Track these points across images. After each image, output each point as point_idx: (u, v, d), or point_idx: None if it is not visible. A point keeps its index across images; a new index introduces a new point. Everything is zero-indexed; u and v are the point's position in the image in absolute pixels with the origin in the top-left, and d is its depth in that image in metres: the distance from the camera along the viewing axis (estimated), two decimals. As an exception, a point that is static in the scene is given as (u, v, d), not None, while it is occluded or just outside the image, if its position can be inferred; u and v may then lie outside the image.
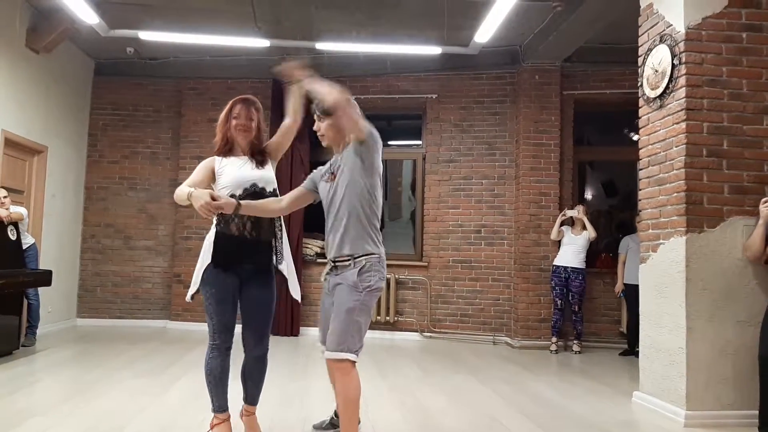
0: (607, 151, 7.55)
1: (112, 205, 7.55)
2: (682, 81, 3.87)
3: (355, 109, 2.62)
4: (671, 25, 3.99)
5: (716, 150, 3.84)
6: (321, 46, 6.58)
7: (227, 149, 2.90)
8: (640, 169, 4.36)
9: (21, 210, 5.40)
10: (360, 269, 2.67)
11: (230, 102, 2.92)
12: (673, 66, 3.94)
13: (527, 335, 6.60)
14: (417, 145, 7.48)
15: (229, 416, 2.90)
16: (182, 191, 2.67)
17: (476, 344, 6.77)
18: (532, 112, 6.79)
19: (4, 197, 5.16)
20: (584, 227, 6.38)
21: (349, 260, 2.70)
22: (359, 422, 2.93)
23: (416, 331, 7.05)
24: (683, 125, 3.84)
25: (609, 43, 6.45)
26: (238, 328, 2.84)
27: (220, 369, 2.82)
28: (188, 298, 2.90)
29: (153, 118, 7.63)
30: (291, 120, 3.01)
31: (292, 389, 4.26)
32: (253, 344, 2.88)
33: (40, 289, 5.69)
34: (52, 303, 6.56)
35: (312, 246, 7.10)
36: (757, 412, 3.37)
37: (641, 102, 4.36)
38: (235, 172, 2.83)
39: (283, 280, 2.93)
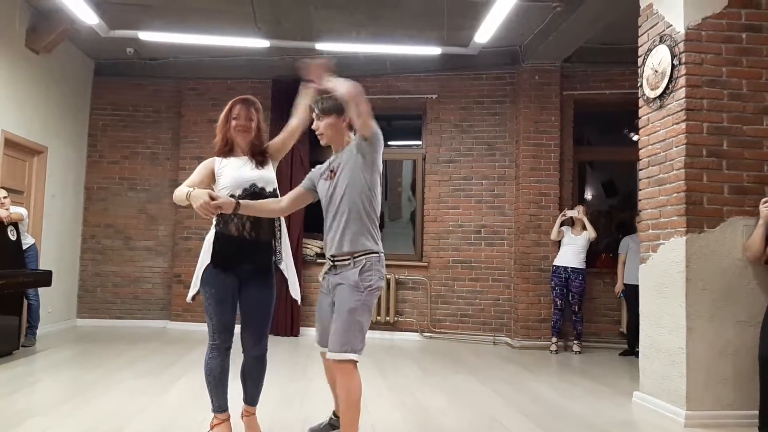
0: (607, 151, 7.55)
1: (112, 206, 7.55)
2: (681, 81, 3.87)
3: (368, 105, 2.62)
4: (671, 25, 3.99)
5: (716, 150, 3.84)
6: (321, 46, 6.58)
7: (227, 150, 2.90)
8: (640, 170, 4.36)
9: (21, 210, 5.40)
10: (361, 268, 2.67)
11: (230, 102, 2.92)
12: (673, 66, 3.94)
13: (527, 335, 6.60)
14: (417, 145, 7.48)
15: (229, 416, 2.91)
16: (181, 191, 2.67)
17: (476, 344, 6.77)
18: (532, 113, 6.79)
19: (4, 198, 5.16)
20: (584, 227, 6.38)
21: (348, 259, 2.69)
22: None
23: (416, 331, 7.05)
24: (683, 125, 3.84)
25: (609, 44, 6.45)
26: (238, 328, 2.84)
27: (220, 369, 2.82)
28: (189, 298, 2.90)
29: (153, 119, 7.63)
30: (297, 121, 3.00)
31: (292, 389, 4.26)
32: (251, 344, 2.88)
33: (40, 290, 5.69)
34: (52, 303, 6.57)
35: (312, 246, 7.10)
36: (757, 412, 3.37)
37: (641, 102, 4.36)
38: (234, 172, 2.83)
39: (283, 280, 2.93)
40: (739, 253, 3.77)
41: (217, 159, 2.90)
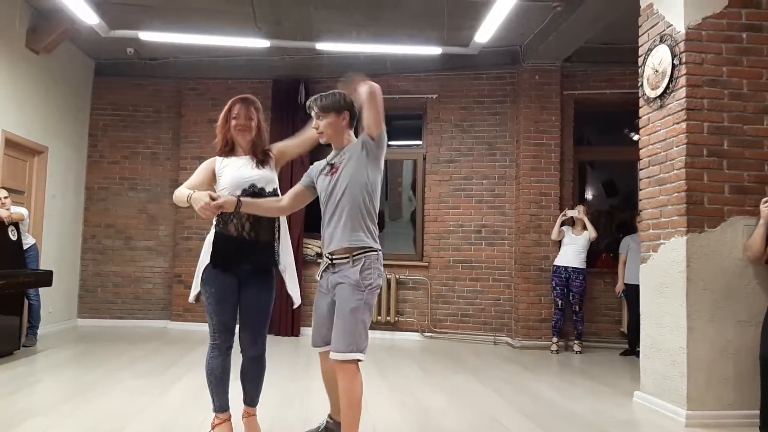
0: (607, 151, 7.55)
1: (112, 206, 7.55)
2: (682, 81, 3.87)
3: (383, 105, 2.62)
4: (671, 25, 3.99)
5: (717, 150, 3.84)
6: (321, 46, 6.58)
7: (228, 150, 2.90)
8: (641, 169, 4.36)
9: (22, 210, 5.41)
10: (361, 267, 2.66)
11: (229, 102, 2.91)
12: (674, 66, 3.94)
13: (528, 335, 6.60)
14: (417, 145, 7.48)
15: (230, 416, 2.91)
16: (181, 193, 2.67)
17: (477, 344, 6.77)
18: (532, 112, 6.79)
19: (5, 198, 5.17)
20: (585, 227, 6.38)
21: (347, 257, 2.68)
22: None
23: (417, 331, 7.05)
24: (683, 125, 3.84)
25: (609, 43, 6.45)
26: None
27: (221, 369, 2.82)
28: (192, 299, 2.89)
29: (153, 119, 7.63)
30: (316, 134, 2.96)
31: (293, 389, 4.26)
32: (248, 345, 2.89)
33: (41, 290, 5.70)
34: (53, 303, 6.57)
35: (312, 246, 7.10)
36: (757, 412, 3.37)
37: (641, 102, 4.36)
38: (234, 172, 2.82)
39: (283, 281, 2.93)
40: (740, 252, 3.77)
41: (218, 159, 2.90)
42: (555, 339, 6.39)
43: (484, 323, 6.96)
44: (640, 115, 4.37)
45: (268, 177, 2.87)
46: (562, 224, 6.51)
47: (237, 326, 2.88)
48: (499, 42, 6.57)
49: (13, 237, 5.22)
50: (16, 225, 5.29)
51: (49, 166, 6.59)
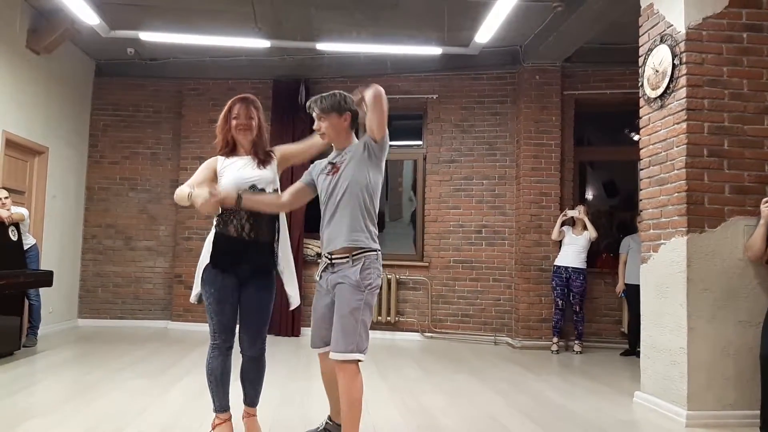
0: (607, 151, 7.55)
1: (112, 206, 7.55)
2: (682, 81, 3.87)
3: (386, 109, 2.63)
4: (672, 25, 3.99)
5: (717, 150, 3.84)
6: (321, 46, 6.58)
7: (229, 150, 2.90)
8: (641, 169, 4.36)
9: (22, 211, 5.41)
10: (361, 267, 2.66)
11: (229, 102, 2.91)
12: (674, 66, 3.94)
13: (528, 335, 6.60)
14: (418, 145, 7.48)
15: (230, 416, 2.91)
16: (182, 192, 2.68)
17: (477, 344, 6.77)
18: (532, 113, 6.79)
19: (6, 198, 5.17)
20: (585, 227, 6.38)
21: (347, 257, 2.68)
22: None
23: (417, 331, 7.05)
24: (684, 125, 3.84)
25: (609, 44, 6.44)
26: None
27: (221, 369, 2.82)
28: (194, 300, 2.89)
29: (153, 119, 7.64)
30: (323, 142, 2.95)
31: (293, 389, 4.26)
32: (248, 345, 2.89)
33: (41, 290, 5.70)
34: (53, 303, 6.57)
35: (312, 246, 7.10)
36: (758, 412, 3.37)
37: (642, 102, 4.36)
38: (235, 173, 2.82)
39: (282, 282, 2.93)
40: (740, 253, 3.77)
41: (220, 158, 2.90)
42: (555, 339, 6.39)
43: (485, 323, 6.96)
44: (641, 115, 4.37)
45: (269, 178, 2.87)
46: (563, 224, 6.50)
47: (237, 326, 2.88)
48: (500, 42, 6.57)
49: (14, 237, 5.22)
50: (17, 225, 5.29)
51: (49, 167, 6.59)
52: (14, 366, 4.80)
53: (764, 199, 3.61)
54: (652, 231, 4.18)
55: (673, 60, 3.95)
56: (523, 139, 6.80)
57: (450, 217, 7.12)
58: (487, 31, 5.80)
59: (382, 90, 2.56)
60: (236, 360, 2.87)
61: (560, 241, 6.49)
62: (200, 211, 2.59)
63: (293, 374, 4.83)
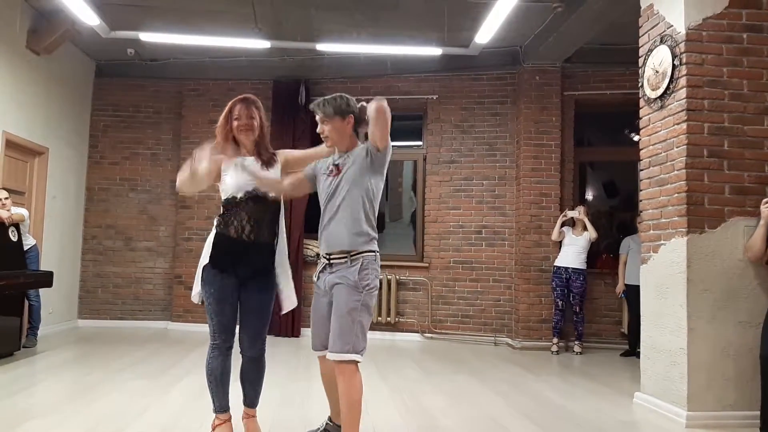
0: (607, 151, 7.55)
1: (112, 207, 7.55)
2: (682, 81, 3.87)
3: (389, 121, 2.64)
4: (672, 25, 3.99)
5: (717, 150, 3.84)
6: (321, 47, 6.59)
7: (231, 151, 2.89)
8: (641, 170, 4.36)
9: (22, 211, 5.41)
10: (360, 267, 2.66)
11: (229, 103, 2.91)
12: (674, 66, 3.94)
13: (528, 336, 6.60)
14: (418, 145, 7.48)
15: (230, 417, 2.91)
16: (183, 172, 2.67)
17: (477, 345, 6.76)
18: (532, 113, 6.79)
19: (6, 198, 5.17)
20: (585, 228, 6.37)
21: (345, 257, 2.69)
22: None
23: (417, 331, 7.05)
24: (684, 126, 3.84)
25: (609, 44, 6.44)
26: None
27: (221, 369, 2.82)
28: (196, 300, 2.89)
29: (154, 120, 7.64)
30: (329, 150, 2.93)
31: (293, 390, 4.26)
32: (248, 345, 2.89)
33: (42, 291, 5.70)
34: (53, 304, 6.57)
35: (312, 247, 7.10)
36: (758, 412, 3.36)
37: (642, 102, 4.36)
38: (238, 174, 2.82)
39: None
40: (740, 253, 3.77)
41: (224, 158, 2.89)
42: (555, 340, 6.39)
43: (485, 324, 6.96)
44: (641, 115, 4.37)
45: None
46: (563, 225, 6.50)
47: (237, 327, 2.88)
48: (500, 43, 6.57)
49: (14, 238, 5.22)
50: (17, 226, 5.29)
51: (49, 167, 6.59)
52: (14, 367, 4.80)
53: (764, 200, 3.61)
54: (652, 231, 4.18)
55: (673, 60, 3.95)
56: (523, 139, 6.80)
57: (450, 217, 7.12)
58: (487, 32, 5.81)
59: (386, 105, 2.56)
60: (236, 361, 2.87)
61: (560, 242, 6.49)
62: (204, 176, 2.61)
63: (293, 375, 4.83)
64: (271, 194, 2.85)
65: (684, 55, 3.86)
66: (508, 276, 6.96)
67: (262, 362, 2.95)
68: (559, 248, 6.49)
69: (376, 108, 2.54)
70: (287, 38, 6.52)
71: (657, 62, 4.13)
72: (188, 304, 6.99)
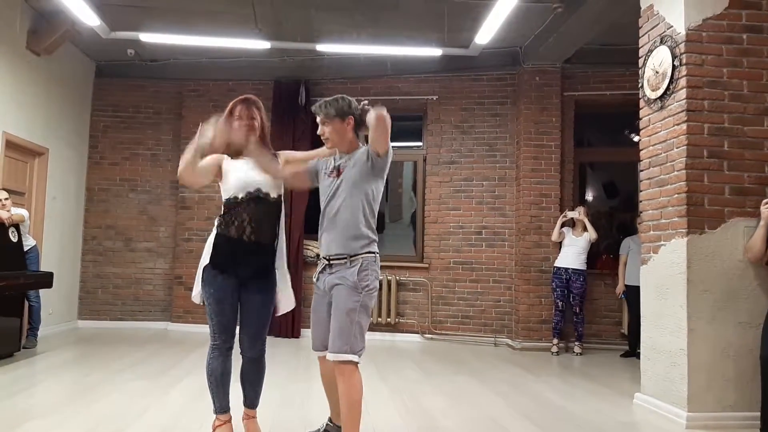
0: (607, 152, 7.55)
1: (112, 207, 7.55)
2: (682, 82, 3.87)
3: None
4: (672, 26, 3.99)
5: (717, 151, 3.84)
6: (321, 47, 6.59)
7: (233, 151, 2.89)
8: (641, 171, 4.36)
9: (22, 212, 5.41)
10: (359, 268, 2.67)
11: (230, 104, 2.92)
12: (674, 67, 3.94)
13: (528, 337, 6.60)
14: (418, 146, 7.48)
15: (231, 418, 2.91)
16: (186, 153, 2.67)
17: (477, 346, 6.76)
18: (532, 114, 6.79)
19: (6, 199, 5.16)
20: (585, 229, 6.37)
21: (344, 259, 2.69)
22: None
23: (417, 332, 7.05)
24: (684, 126, 3.84)
25: (609, 45, 6.44)
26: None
27: (221, 369, 2.82)
28: (197, 300, 2.89)
29: (154, 120, 7.64)
30: (330, 152, 2.95)
31: (293, 391, 4.26)
32: (248, 346, 2.89)
33: (41, 291, 5.70)
34: (53, 305, 6.56)
35: (312, 248, 7.10)
36: (758, 413, 3.36)
37: (642, 103, 4.36)
38: (241, 174, 2.82)
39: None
40: (740, 254, 3.77)
41: (226, 158, 2.89)
42: (555, 340, 6.38)
43: (485, 325, 6.95)
44: (641, 116, 4.37)
45: (274, 182, 2.87)
46: (563, 225, 6.50)
47: (237, 327, 2.88)
48: (500, 43, 6.57)
49: (14, 238, 5.22)
50: (17, 226, 5.29)
51: (49, 168, 6.59)
52: (14, 367, 4.80)
53: (764, 201, 3.61)
54: (652, 232, 4.18)
55: (673, 61, 3.95)
56: (523, 140, 6.80)
57: (450, 218, 7.12)
58: (487, 33, 5.81)
59: (386, 113, 2.56)
60: (237, 361, 2.87)
61: (560, 243, 6.48)
62: (204, 147, 2.62)
63: (293, 376, 4.83)
64: (273, 195, 2.84)
65: (684, 55, 3.86)
66: (508, 277, 6.96)
67: (262, 363, 2.95)
68: (559, 249, 6.49)
69: (376, 116, 2.55)
70: (287, 39, 6.52)
71: (657, 63, 4.13)
72: (188, 305, 6.99)
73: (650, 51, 4.24)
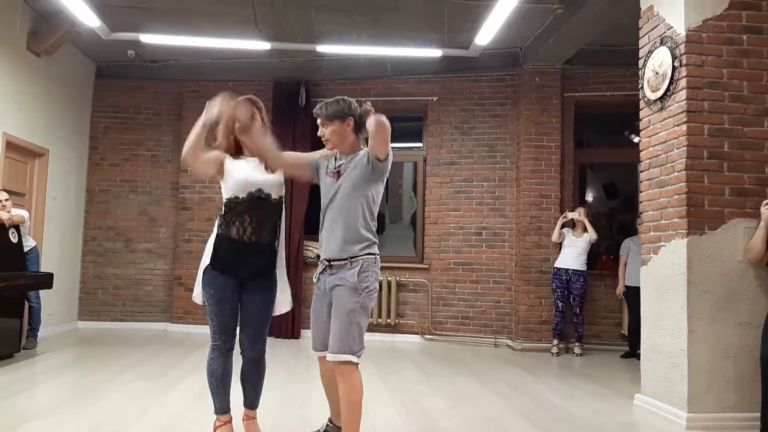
0: (607, 153, 7.56)
1: (113, 208, 7.55)
2: (682, 83, 3.87)
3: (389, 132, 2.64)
4: (672, 27, 3.99)
5: (717, 152, 3.83)
6: (321, 48, 6.59)
7: (235, 152, 2.89)
8: (641, 171, 4.36)
9: (22, 213, 5.41)
10: (359, 269, 2.67)
11: (230, 104, 2.92)
12: (674, 68, 3.94)
13: (528, 337, 6.59)
14: (418, 147, 7.48)
15: (231, 418, 2.91)
16: (192, 131, 2.69)
17: (477, 346, 6.76)
18: (532, 114, 6.79)
19: (6, 200, 5.16)
20: (585, 229, 6.37)
21: (345, 260, 2.70)
22: None
23: (417, 333, 7.04)
24: (684, 127, 3.84)
25: (609, 46, 6.44)
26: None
27: (221, 370, 2.82)
28: (198, 300, 2.89)
29: (154, 121, 7.64)
30: (331, 153, 2.96)
31: (293, 392, 4.26)
32: (248, 346, 2.90)
33: (42, 292, 5.69)
34: (53, 306, 6.56)
35: (312, 248, 7.10)
36: (758, 414, 3.36)
37: (642, 104, 4.36)
38: (242, 174, 2.81)
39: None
40: (741, 255, 3.77)
41: (228, 157, 2.89)
42: (555, 341, 6.38)
43: (485, 325, 6.95)
44: (641, 117, 4.37)
45: (276, 183, 2.87)
46: (563, 226, 6.50)
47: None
48: (500, 44, 6.57)
49: (14, 239, 5.22)
50: (17, 227, 5.29)
51: (49, 169, 6.59)
52: (14, 368, 4.80)
53: (764, 201, 3.61)
54: (652, 233, 4.18)
55: (673, 62, 3.95)
56: (523, 141, 6.81)
57: (450, 219, 7.12)
58: (487, 33, 5.81)
59: (385, 119, 2.57)
60: (237, 362, 2.87)
61: (560, 244, 6.48)
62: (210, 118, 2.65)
63: (293, 376, 4.83)
64: (275, 197, 2.84)
65: (684, 56, 3.86)
66: (508, 277, 6.96)
67: (263, 363, 2.96)
68: (559, 250, 6.49)
69: (376, 123, 2.56)
70: (287, 40, 6.52)
71: (657, 64, 4.14)
72: (188, 306, 6.99)
73: (650, 52, 4.24)
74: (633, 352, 5.99)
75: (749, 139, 3.85)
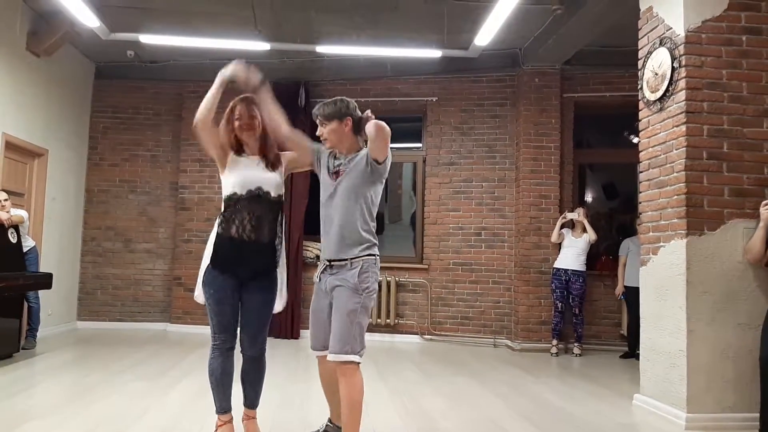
0: (607, 153, 7.56)
1: (112, 208, 7.55)
2: (682, 84, 3.88)
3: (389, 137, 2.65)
4: (671, 28, 4.00)
5: (716, 153, 3.84)
6: (321, 49, 6.59)
7: (236, 150, 2.90)
8: (641, 172, 4.36)
9: (22, 213, 5.41)
10: (360, 270, 2.68)
11: (230, 103, 2.93)
12: (673, 69, 3.95)
13: (528, 338, 6.60)
14: (417, 147, 7.49)
15: (232, 418, 2.91)
16: (204, 101, 2.87)
17: (477, 347, 6.76)
18: (532, 115, 6.79)
19: (5, 200, 5.16)
20: (584, 230, 6.38)
21: (345, 260, 2.71)
22: None
23: (416, 333, 7.04)
24: (683, 128, 3.85)
25: (609, 46, 6.45)
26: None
27: (221, 369, 2.82)
28: (200, 300, 2.89)
29: (153, 121, 7.63)
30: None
31: (292, 392, 4.26)
32: (248, 345, 2.90)
33: (41, 292, 5.69)
34: (53, 306, 6.56)
35: (312, 249, 7.10)
36: (757, 414, 3.36)
37: (641, 105, 4.37)
38: (243, 171, 2.82)
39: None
40: (740, 255, 3.77)
41: (232, 153, 2.89)
42: (555, 341, 6.38)
43: (484, 326, 6.95)
44: (640, 117, 4.38)
45: (276, 182, 2.87)
46: (562, 227, 6.50)
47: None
48: (499, 45, 6.58)
49: (13, 239, 5.22)
50: (16, 227, 5.29)
51: (49, 169, 6.59)
52: (13, 368, 4.80)
53: (763, 202, 3.62)
54: (651, 233, 4.19)
55: (672, 63, 3.95)
56: (522, 141, 6.81)
57: (449, 219, 7.12)
58: (486, 34, 5.81)
59: (384, 125, 2.59)
60: (238, 362, 2.87)
61: (560, 244, 6.49)
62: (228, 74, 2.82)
63: (293, 376, 4.83)
64: (274, 195, 2.84)
65: (683, 57, 3.87)
66: (507, 278, 6.96)
67: (263, 362, 2.96)
68: (559, 250, 6.49)
69: (375, 127, 2.57)
70: (287, 40, 6.52)
71: (656, 64, 4.14)
72: (187, 306, 6.99)
73: (650, 53, 4.24)
74: (632, 352, 5.99)
75: (748, 139, 3.86)
